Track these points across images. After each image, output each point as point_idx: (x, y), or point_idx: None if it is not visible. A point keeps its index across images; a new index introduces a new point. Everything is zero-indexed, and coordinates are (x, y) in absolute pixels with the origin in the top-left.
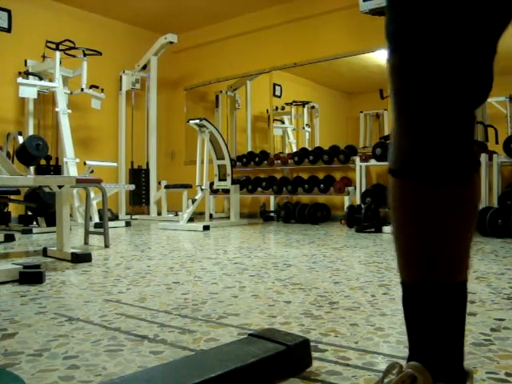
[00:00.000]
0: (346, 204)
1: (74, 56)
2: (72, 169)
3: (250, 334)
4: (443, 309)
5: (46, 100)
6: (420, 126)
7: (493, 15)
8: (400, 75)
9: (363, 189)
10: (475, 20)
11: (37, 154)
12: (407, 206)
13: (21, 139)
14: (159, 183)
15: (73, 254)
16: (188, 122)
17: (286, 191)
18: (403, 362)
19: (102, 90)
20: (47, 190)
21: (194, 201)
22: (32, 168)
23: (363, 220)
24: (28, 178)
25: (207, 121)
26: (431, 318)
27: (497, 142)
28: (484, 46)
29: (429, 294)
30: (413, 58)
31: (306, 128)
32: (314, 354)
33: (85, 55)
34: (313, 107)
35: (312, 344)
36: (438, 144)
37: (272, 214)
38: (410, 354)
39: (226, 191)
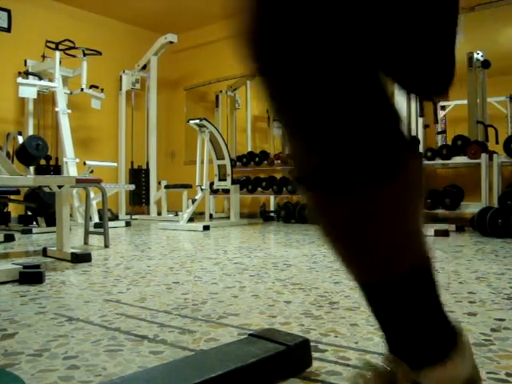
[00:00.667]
0: None
1: (73, 56)
2: (72, 169)
3: (250, 334)
4: (405, 301)
5: (45, 100)
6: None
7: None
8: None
9: None
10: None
11: (37, 154)
12: (325, 218)
13: (21, 139)
14: (159, 183)
15: (73, 254)
16: (188, 122)
17: (285, 191)
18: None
19: (102, 90)
20: (47, 189)
21: (193, 201)
22: (32, 168)
23: None
24: (28, 178)
25: (207, 121)
26: (396, 312)
27: (497, 142)
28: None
29: (385, 290)
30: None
31: None
32: (314, 354)
33: (85, 55)
34: None
35: (312, 344)
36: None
37: (272, 214)
38: (388, 347)
39: (226, 191)
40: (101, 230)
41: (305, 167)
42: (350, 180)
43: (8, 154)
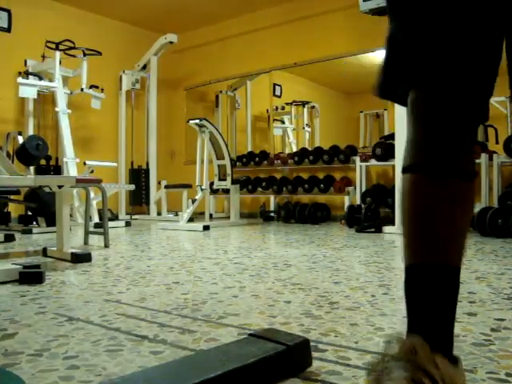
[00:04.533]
0: (346, 204)
1: (73, 56)
2: (72, 169)
3: (249, 334)
4: (441, 288)
5: (45, 100)
6: (438, 138)
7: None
8: (423, 105)
9: (363, 189)
10: (480, 66)
11: (37, 154)
12: (418, 197)
13: (21, 139)
14: (159, 183)
15: (73, 254)
16: (188, 122)
17: (286, 191)
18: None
19: (102, 89)
20: (47, 189)
21: (193, 201)
22: (32, 168)
23: (363, 220)
24: (28, 178)
25: (207, 121)
26: (431, 297)
27: (497, 142)
28: (485, 88)
29: (431, 274)
30: (435, 94)
31: (306, 128)
32: (314, 354)
33: (85, 55)
34: (313, 107)
35: (312, 344)
36: (449, 150)
37: (272, 214)
38: (409, 328)
39: (226, 191)
40: (101, 230)
41: (429, 157)
42: (449, 172)
43: (8, 153)
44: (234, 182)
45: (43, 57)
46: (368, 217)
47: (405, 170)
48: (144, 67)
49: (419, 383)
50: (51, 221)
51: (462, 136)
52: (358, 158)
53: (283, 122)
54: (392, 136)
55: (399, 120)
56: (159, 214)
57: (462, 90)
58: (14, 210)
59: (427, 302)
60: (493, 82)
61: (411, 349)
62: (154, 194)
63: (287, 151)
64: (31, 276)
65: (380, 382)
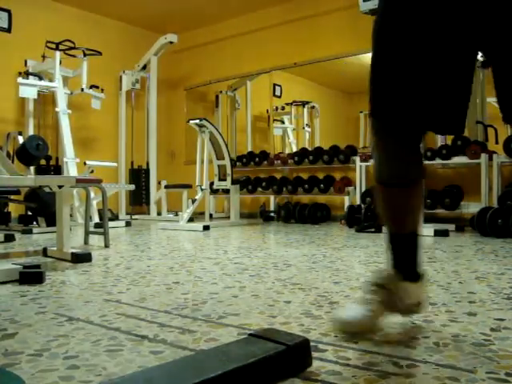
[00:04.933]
0: (346, 204)
1: (74, 56)
2: (72, 169)
3: (249, 334)
4: (411, 245)
5: (46, 100)
6: (389, 165)
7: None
8: (379, 136)
9: (363, 189)
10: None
11: (37, 154)
12: (384, 197)
13: (21, 139)
14: (159, 183)
15: (73, 253)
16: (188, 121)
17: (286, 191)
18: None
19: (102, 90)
20: (47, 189)
21: (193, 201)
22: (32, 168)
23: (363, 220)
24: (28, 178)
25: (207, 121)
26: (406, 249)
27: (497, 142)
28: (450, 113)
29: (408, 238)
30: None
31: (306, 128)
32: (314, 354)
33: (85, 55)
34: (313, 107)
35: (312, 344)
36: (396, 173)
37: (272, 214)
38: (391, 266)
39: (226, 191)
40: (101, 230)
41: (394, 176)
42: (412, 183)
43: (8, 153)
44: (234, 182)
45: (43, 57)
46: (368, 217)
47: (376, 180)
48: (144, 67)
49: (392, 303)
50: (51, 221)
51: (408, 159)
52: (357, 158)
53: (283, 122)
54: None
55: None
56: (159, 214)
57: (413, 124)
58: (14, 209)
59: (403, 252)
60: (461, 105)
61: (391, 276)
62: (154, 193)
63: (287, 151)
64: (31, 276)
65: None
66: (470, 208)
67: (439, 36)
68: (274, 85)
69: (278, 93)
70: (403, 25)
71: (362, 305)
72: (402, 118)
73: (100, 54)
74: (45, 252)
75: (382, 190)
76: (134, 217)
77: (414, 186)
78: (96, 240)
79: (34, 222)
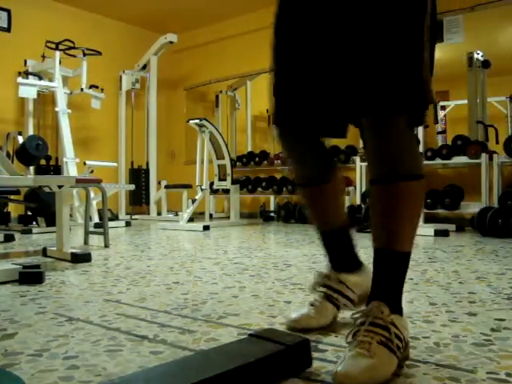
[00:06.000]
0: (346, 204)
1: (73, 56)
2: (72, 169)
3: (249, 334)
4: (339, 240)
5: (45, 100)
6: (295, 163)
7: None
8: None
9: (363, 189)
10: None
11: (37, 154)
12: (307, 198)
13: (21, 139)
14: (159, 183)
15: (72, 253)
16: (188, 121)
17: (286, 191)
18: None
19: (102, 89)
20: (47, 189)
21: (193, 201)
22: (32, 168)
23: (363, 220)
24: (28, 178)
25: (207, 121)
26: (335, 245)
27: (497, 142)
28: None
29: (334, 234)
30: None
31: None
32: (314, 354)
33: (85, 55)
34: None
35: (312, 344)
36: (302, 174)
37: (272, 214)
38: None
39: (226, 191)
40: (101, 230)
41: (301, 176)
42: (320, 182)
43: (8, 153)
44: (233, 182)
45: (43, 57)
46: (368, 217)
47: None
48: (144, 67)
49: (335, 297)
50: (51, 221)
51: (308, 161)
52: (358, 158)
53: None
54: None
55: None
56: (159, 214)
57: (296, 129)
58: (14, 209)
59: (329, 247)
60: (336, 112)
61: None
62: (154, 194)
63: None
64: (31, 276)
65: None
66: (471, 208)
67: (305, 55)
68: None
69: None
70: (280, 42)
71: (308, 305)
72: (286, 124)
73: (100, 53)
74: (44, 252)
75: (299, 190)
76: (133, 217)
77: (323, 184)
78: (96, 240)
79: (34, 222)
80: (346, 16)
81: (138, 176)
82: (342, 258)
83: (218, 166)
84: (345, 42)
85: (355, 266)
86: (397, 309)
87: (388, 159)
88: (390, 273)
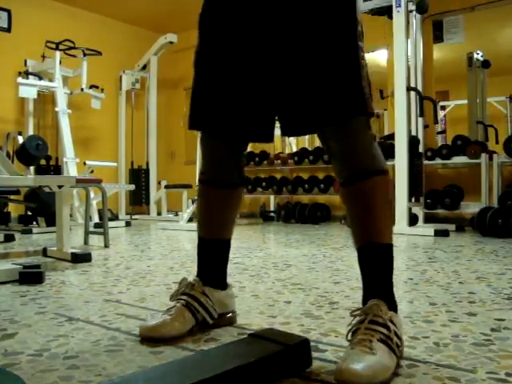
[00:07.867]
0: None
1: (74, 56)
2: (72, 169)
3: (249, 334)
4: (215, 252)
5: (45, 100)
6: (207, 168)
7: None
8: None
9: None
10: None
11: (37, 154)
12: (211, 198)
13: (21, 139)
14: (159, 183)
15: (73, 253)
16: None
17: (285, 191)
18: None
19: (102, 89)
20: (47, 190)
21: (194, 201)
22: (32, 168)
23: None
24: (28, 178)
25: None
26: (209, 255)
27: (497, 142)
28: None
29: (212, 244)
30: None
31: None
32: (314, 354)
33: (85, 55)
34: None
35: (312, 344)
36: (215, 175)
37: (272, 214)
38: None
39: None
40: (101, 230)
41: (207, 173)
42: (218, 185)
43: (8, 153)
44: None
45: (43, 57)
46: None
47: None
48: (144, 67)
49: (195, 308)
50: (51, 221)
51: (224, 166)
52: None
53: None
54: (392, 136)
55: (399, 120)
56: (159, 214)
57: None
58: (14, 209)
59: (202, 256)
60: (260, 118)
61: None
62: (154, 193)
63: (287, 151)
64: (31, 276)
65: None
66: (471, 208)
67: (228, 58)
68: None
69: None
70: (204, 55)
71: (164, 311)
72: (201, 127)
73: (100, 53)
74: (45, 252)
75: (200, 186)
76: (133, 217)
77: (228, 189)
78: (96, 240)
79: (34, 222)
80: (278, 23)
81: (138, 176)
82: (213, 271)
83: None
84: (274, 50)
85: (223, 284)
86: (393, 306)
87: (349, 161)
88: (377, 267)
